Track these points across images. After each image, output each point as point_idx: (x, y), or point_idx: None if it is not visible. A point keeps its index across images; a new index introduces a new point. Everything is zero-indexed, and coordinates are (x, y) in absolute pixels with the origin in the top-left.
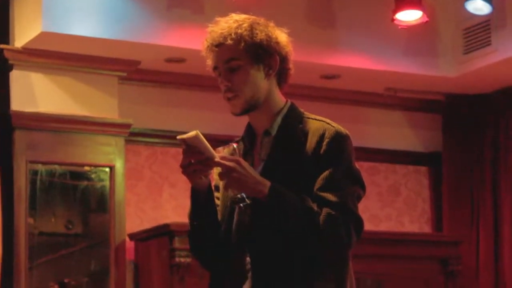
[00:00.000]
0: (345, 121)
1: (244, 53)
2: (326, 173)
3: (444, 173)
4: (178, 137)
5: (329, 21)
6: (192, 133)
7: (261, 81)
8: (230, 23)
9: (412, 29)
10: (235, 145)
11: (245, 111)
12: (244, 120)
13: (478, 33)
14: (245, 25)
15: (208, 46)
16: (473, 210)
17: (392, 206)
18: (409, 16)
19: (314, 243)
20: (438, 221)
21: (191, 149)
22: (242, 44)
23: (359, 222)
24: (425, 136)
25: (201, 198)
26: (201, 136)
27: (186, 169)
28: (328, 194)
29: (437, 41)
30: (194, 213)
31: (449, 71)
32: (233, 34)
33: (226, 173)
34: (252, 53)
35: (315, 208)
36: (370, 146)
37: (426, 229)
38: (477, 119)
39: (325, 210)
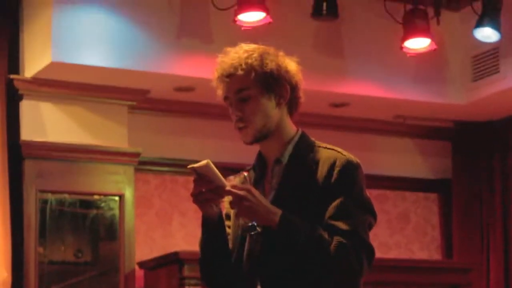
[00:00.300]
0: (354, 149)
1: (255, 83)
2: (337, 201)
3: (453, 200)
4: (189, 166)
5: (337, 50)
6: (203, 162)
7: (272, 111)
8: (240, 53)
9: (420, 57)
10: (245, 174)
11: (257, 140)
12: (255, 148)
13: (487, 60)
14: (255, 55)
15: (218, 77)
16: (483, 236)
17: (402, 234)
18: (418, 44)
19: (326, 272)
20: (448, 248)
21: (202, 178)
22: (253, 74)
23: (370, 250)
24: (435, 163)
25: (212, 227)
26: (212, 165)
27: (197, 198)
28: (339, 222)
29: (446, 69)
30: (205, 242)
31: (458, 98)
32: (243, 65)
33: (237, 201)
34: (263, 83)
35: (326, 236)
36: (379, 173)
37: (436, 256)
38: (486, 145)
39: (336, 239)
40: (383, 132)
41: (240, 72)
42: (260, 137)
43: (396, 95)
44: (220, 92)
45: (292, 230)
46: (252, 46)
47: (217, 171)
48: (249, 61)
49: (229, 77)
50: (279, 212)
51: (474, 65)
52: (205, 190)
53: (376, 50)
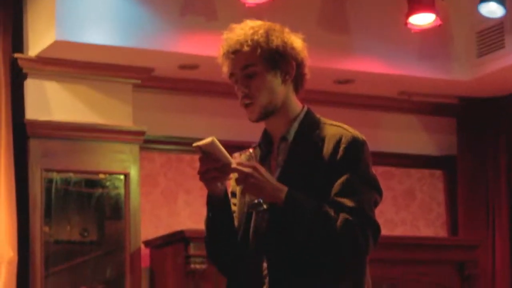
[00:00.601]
0: (359, 126)
1: (261, 60)
2: (343, 178)
3: (459, 177)
4: (194, 144)
5: (342, 26)
6: (208, 140)
7: (278, 87)
8: (246, 29)
9: (425, 33)
10: (251, 151)
11: (263, 117)
12: (260, 126)
13: (492, 36)
14: (261, 31)
15: (224, 53)
16: (488, 213)
17: (407, 210)
18: (422, 19)
19: (332, 249)
20: (454, 225)
21: (207, 156)
22: (259, 51)
23: (376, 227)
24: (440, 140)
25: (217, 205)
26: (217, 143)
27: (204, 176)
28: (345, 199)
29: (451, 45)
30: (210, 220)
31: (463, 74)
32: (249, 41)
33: (243, 179)
34: (269, 59)
35: (332, 213)
36: (385, 150)
37: (442, 233)
38: (491, 122)
39: (342, 216)
40: (388, 108)
41: (246, 48)
42: (265, 114)
43: (401, 71)
44: (225, 69)
45: (298, 207)
46: (257, 22)
47: (222, 148)
48: (255, 37)
49: (234, 53)
50: (285, 189)
51: (479, 41)
52: (211, 168)
53: (380, 26)
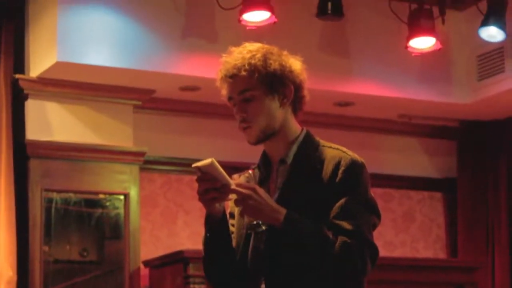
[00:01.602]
0: (359, 148)
1: (258, 84)
2: (342, 201)
3: (459, 199)
4: (194, 165)
5: (342, 49)
6: (207, 161)
7: (276, 111)
8: (244, 53)
9: (425, 56)
10: (251, 172)
11: (261, 140)
12: (260, 148)
13: (492, 60)
14: (258, 55)
15: (222, 77)
16: (488, 236)
17: (407, 232)
18: (423, 43)
19: (330, 271)
20: (453, 247)
21: (206, 176)
22: (256, 75)
23: (374, 250)
24: (440, 162)
25: (215, 225)
26: (216, 164)
27: (203, 196)
28: (343, 222)
29: (451, 68)
30: (208, 240)
31: (463, 97)
32: (246, 65)
33: (242, 200)
34: (266, 83)
35: (331, 236)
36: (385, 172)
37: (441, 255)
38: (492, 145)
39: (340, 238)
40: (388, 131)
41: (243, 72)
42: (264, 138)
43: (401, 94)
44: (224, 92)
45: (297, 229)
46: (256, 45)
47: (221, 169)
48: (253, 61)
49: (232, 77)
50: (284, 211)
51: (479, 64)
52: (210, 189)
53: (381, 50)
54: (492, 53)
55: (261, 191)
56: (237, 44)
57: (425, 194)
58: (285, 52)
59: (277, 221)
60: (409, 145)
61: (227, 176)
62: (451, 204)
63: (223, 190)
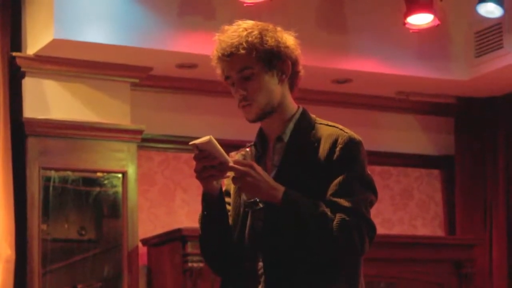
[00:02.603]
0: (357, 125)
1: (257, 61)
2: (339, 179)
3: (456, 176)
4: (191, 142)
5: (340, 26)
6: (205, 138)
7: (275, 87)
8: (239, 31)
9: (423, 33)
10: (248, 150)
11: (260, 118)
12: (256, 125)
13: (490, 36)
14: (255, 32)
15: (219, 57)
16: (486, 212)
17: (405, 210)
18: (421, 19)
19: (328, 248)
20: (451, 224)
21: (204, 154)
22: (254, 53)
23: (372, 227)
24: (437, 139)
25: (212, 203)
26: (214, 141)
27: (200, 174)
28: (341, 199)
29: (449, 45)
30: (205, 218)
31: (461, 74)
32: (244, 43)
33: (240, 177)
34: (265, 60)
35: (329, 213)
36: (382, 150)
37: (439, 232)
38: (489, 121)
39: (338, 216)
40: (386, 108)
41: (241, 51)
42: (263, 115)
43: (399, 71)
44: (219, 71)
45: (295, 206)
46: (250, 23)
47: (219, 147)
48: (250, 39)
49: (230, 56)
50: (282, 188)
51: (477, 41)
52: (208, 166)
53: (379, 26)
54: (490, 29)
55: (258, 168)
56: (235, 21)
57: (423, 171)
58: (279, 28)
59: (275, 198)
60: (407, 122)
61: (224, 154)
62: (449, 181)
63: (221, 167)
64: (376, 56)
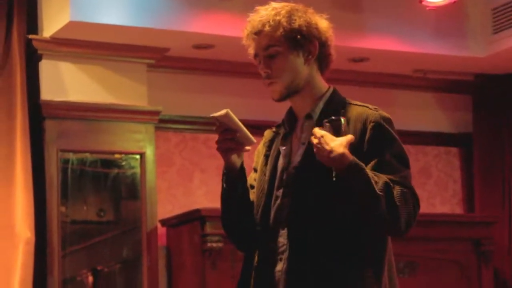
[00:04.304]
0: (374, 104)
1: (283, 40)
2: (379, 158)
3: (475, 154)
4: (211, 115)
5: (356, 4)
6: (222, 112)
7: (300, 67)
8: (269, 10)
9: (440, 10)
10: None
11: (285, 97)
12: (276, 105)
13: (507, 12)
14: (283, 12)
15: (248, 34)
16: (504, 190)
17: (423, 188)
18: None
19: (390, 219)
20: (470, 202)
21: (224, 126)
22: (281, 31)
23: (418, 204)
24: (455, 117)
25: (233, 176)
26: (232, 114)
27: (221, 145)
28: (391, 176)
29: (466, 22)
30: (226, 191)
31: (478, 51)
32: (271, 21)
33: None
34: (291, 39)
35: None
36: (400, 128)
37: (458, 210)
38: (508, 98)
39: (397, 188)
40: (403, 86)
41: (267, 28)
42: (287, 94)
43: (416, 49)
44: (251, 50)
45: (363, 170)
46: (281, 3)
47: (237, 120)
48: (277, 17)
49: (257, 34)
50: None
51: (494, 18)
52: (228, 138)
53: (395, 4)
54: (507, 6)
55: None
56: (251, 1)
57: (441, 149)
58: (310, 10)
59: (343, 164)
60: (424, 100)
61: (243, 127)
62: (467, 159)
63: (241, 139)
64: (393, 34)
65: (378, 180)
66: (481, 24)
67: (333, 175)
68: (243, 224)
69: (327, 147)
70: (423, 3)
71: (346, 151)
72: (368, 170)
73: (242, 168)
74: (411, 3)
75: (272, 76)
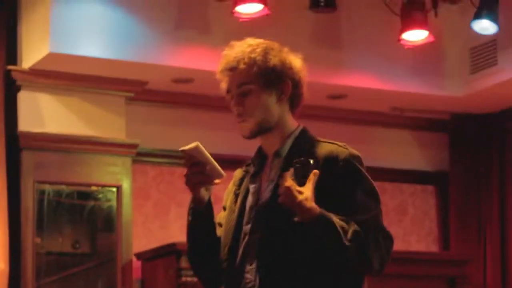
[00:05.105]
0: (352, 141)
1: (257, 78)
2: (349, 195)
3: (451, 192)
4: (180, 148)
5: (335, 41)
6: (193, 145)
7: (272, 106)
8: (244, 47)
9: (418, 49)
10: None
11: (255, 134)
12: (254, 141)
13: (485, 52)
14: (258, 49)
15: (221, 70)
16: (480, 229)
17: (399, 225)
18: (415, 36)
19: (356, 265)
20: (445, 240)
21: (193, 160)
22: (255, 69)
23: (392, 240)
24: (432, 155)
25: (200, 211)
26: (202, 148)
27: (190, 179)
28: (363, 217)
29: (444, 61)
30: (190, 223)
31: (455, 90)
32: (246, 59)
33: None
34: (265, 77)
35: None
36: (377, 165)
37: (433, 248)
38: (484, 138)
39: (369, 232)
40: (381, 124)
41: (242, 66)
42: (258, 132)
43: (394, 87)
44: (223, 85)
45: (330, 220)
46: (257, 40)
47: (207, 153)
48: (252, 55)
49: (231, 70)
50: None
51: (472, 57)
52: (197, 172)
53: (374, 42)
54: (485, 46)
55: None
56: (230, 36)
57: (417, 187)
58: (286, 49)
59: (312, 214)
60: (401, 138)
61: (212, 160)
62: (444, 197)
63: (210, 173)
64: (371, 72)
65: (348, 228)
66: (459, 64)
67: (296, 218)
68: (209, 259)
69: (295, 201)
70: (402, 41)
71: (313, 205)
72: (336, 219)
73: (209, 202)
74: (389, 42)
75: (244, 114)
